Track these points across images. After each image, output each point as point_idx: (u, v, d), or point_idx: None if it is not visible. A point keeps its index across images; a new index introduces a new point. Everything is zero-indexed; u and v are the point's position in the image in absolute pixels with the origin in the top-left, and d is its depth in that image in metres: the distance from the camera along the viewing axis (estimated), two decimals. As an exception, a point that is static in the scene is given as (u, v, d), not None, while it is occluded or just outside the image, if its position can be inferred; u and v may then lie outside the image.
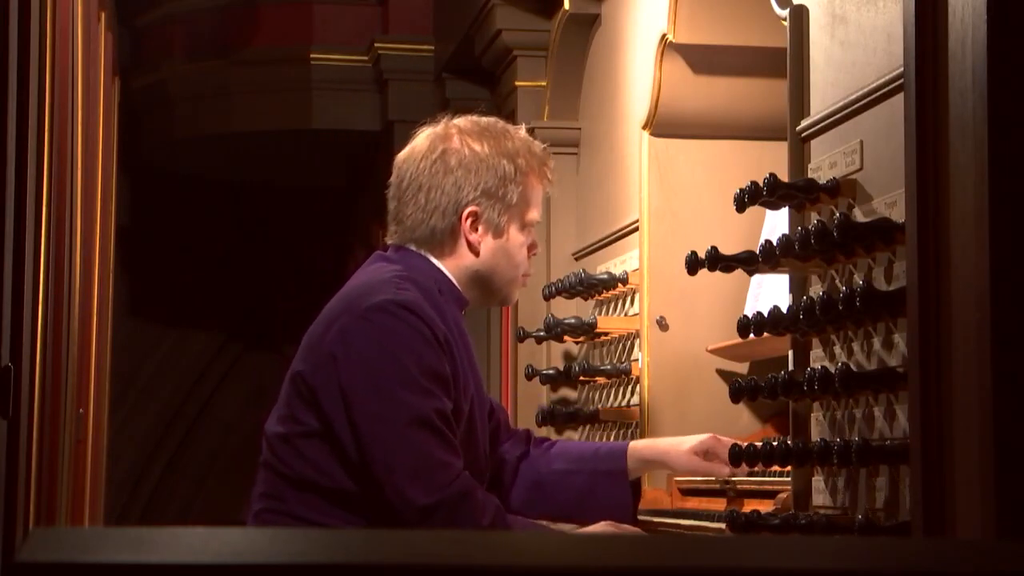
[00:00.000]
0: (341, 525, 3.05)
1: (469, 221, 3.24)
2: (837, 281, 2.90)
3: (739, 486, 3.58)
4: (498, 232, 3.26)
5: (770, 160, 3.86)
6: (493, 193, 3.25)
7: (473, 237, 3.24)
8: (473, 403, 3.19)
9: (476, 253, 3.25)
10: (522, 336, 4.80)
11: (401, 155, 3.32)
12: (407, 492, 2.98)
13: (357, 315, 3.08)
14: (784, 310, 2.93)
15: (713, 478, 3.69)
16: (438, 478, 3.00)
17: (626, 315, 4.45)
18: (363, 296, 3.11)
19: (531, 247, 3.33)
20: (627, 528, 3.40)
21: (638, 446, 3.54)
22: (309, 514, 3.07)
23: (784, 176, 3.04)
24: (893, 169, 2.68)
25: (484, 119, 3.34)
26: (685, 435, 3.61)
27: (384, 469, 3.00)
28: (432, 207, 3.24)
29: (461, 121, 3.32)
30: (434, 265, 3.25)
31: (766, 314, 2.97)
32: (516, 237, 3.28)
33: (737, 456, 3.09)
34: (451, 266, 3.26)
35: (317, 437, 3.07)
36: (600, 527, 3.35)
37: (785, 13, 3.15)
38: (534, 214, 3.31)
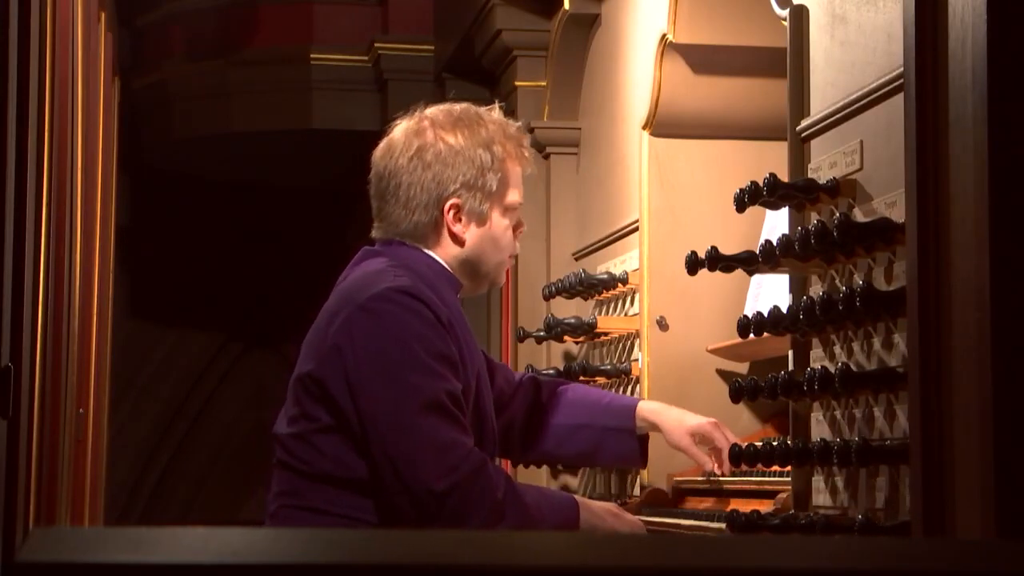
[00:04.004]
0: (359, 515, 3.06)
1: (451, 213, 3.26)
2: (837, 281, 2.90)
3: (739, 486, 3.58)
4: (481, 220, 3.28)
5: (770, 160, 3.86)
6: (473, 184, 3.26)
7: (457, 228, 3.26)
8: (480, 379, 3.22)
9: (461, 243, 3.28)
10: (522, 336, 4.80)
11: (377, 151, 3.36)
12: (422, 476, 3.01)
13: (358, 306, 3.09)
14: (784, 310, 2.93)
15: (702, 477, 3.71)
16: (451, 459, 3.03)
17: (626, 315, 4.45)
18: (361, 289, 3.13)
19: (516, 227, 3.35)
20: (629, 517, 3.42)
21: (644, 410, 3.59)
22: (327, 506, 3.08)
23: (784, 176, 3.04)
24: (893, 169, 2.68)
25: (457, 107, 3.35)
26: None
27: (398, 454, 3.02)
28: (413, 204, 3.26)
29: (434, 112, 3.33)
30: (424, 252, 3.27)
31: (766, 314, 2.98)
32: (499, 222, 3.30)
33: (737, 456, 3.10)
34: (439, 255, 3.28)
35: (332, 431, 3.08)
36: (604, 506, 3.36)
37: (785, 13, 3.15)
38: (515, 196, 3.32)
